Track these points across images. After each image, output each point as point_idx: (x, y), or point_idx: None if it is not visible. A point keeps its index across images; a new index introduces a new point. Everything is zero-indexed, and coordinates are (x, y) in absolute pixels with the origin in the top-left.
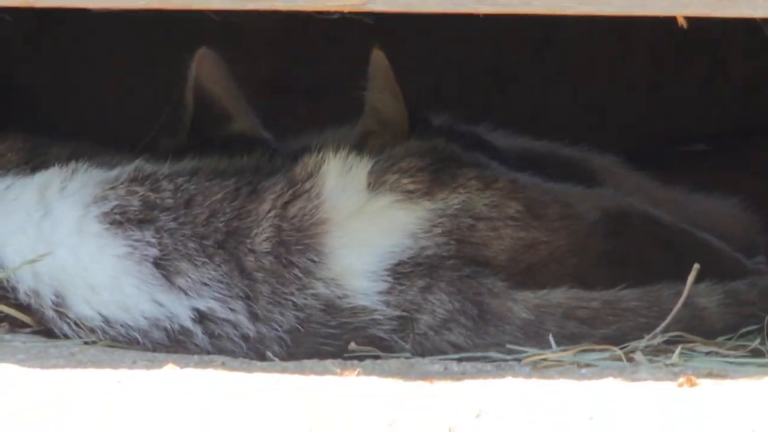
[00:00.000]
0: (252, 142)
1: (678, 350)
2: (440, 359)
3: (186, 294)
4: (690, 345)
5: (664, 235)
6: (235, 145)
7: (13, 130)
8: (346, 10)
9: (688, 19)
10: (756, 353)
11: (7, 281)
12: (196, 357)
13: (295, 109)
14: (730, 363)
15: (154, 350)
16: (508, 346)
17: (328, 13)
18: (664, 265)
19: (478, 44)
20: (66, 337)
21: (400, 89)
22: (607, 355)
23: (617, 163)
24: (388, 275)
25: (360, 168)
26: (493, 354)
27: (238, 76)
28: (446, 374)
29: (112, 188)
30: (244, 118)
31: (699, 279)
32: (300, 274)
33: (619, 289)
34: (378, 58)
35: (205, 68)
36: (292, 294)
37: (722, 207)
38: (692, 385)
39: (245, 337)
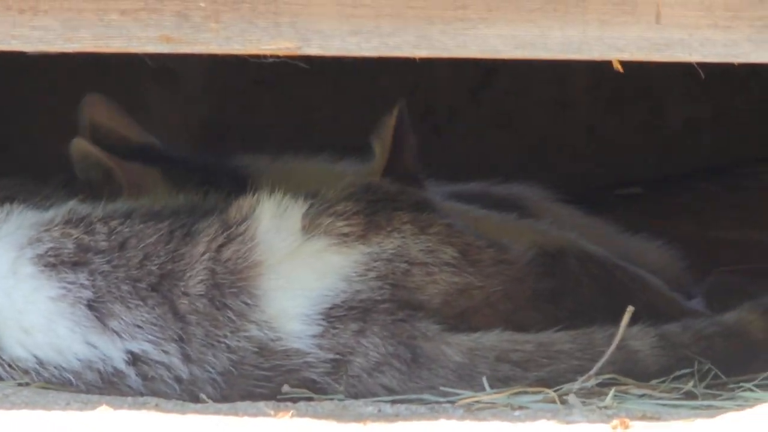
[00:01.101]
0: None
1: (612, 393)
2: (374, 401)
3: (119, 336)
4: (624, 387)
5: (599, 272)
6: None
7: None
8: (281, 54)
9: (624, 63)
10: (689, 396)
11: None
12: (129, 399)
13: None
14: (664, 405)
15: (87, 392)
16: (442, 388)
17: (264, 57)
18: (599, 302)
19: (416, 87)
20: None
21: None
22: (540, 397)
23: (550, 198)
24: (322, 318)
25: (295, 210)
26: (426, 396)
27: (174, 120)
28: (380, 416)
29: (47, 230)
30: (144, 137)
31: (633, 320)
32: (233, 317)
33: (552, 331)
34: (395, 113)
35: (96, 109)
36: (226, 336)
37: (652, 248)
38: (626, 427)
39: (178, 379)
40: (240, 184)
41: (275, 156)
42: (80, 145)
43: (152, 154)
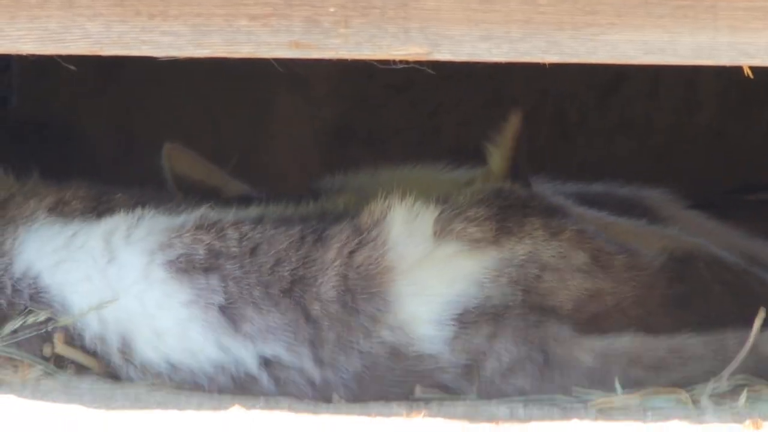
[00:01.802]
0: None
1: (744, 394)
2: (506, 402)
3: (252, 340)
4: (756, 389)
5: (730, 277)
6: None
7: (76, 177)
8: (411, 59)
9: (753, 69)
10: None
11: (74, 327)
12: (262, 399)
13: (358, 157)
14: None
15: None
16: (575, 388)
17: (393, 62)
18: (730, 307)
19: (545, 92)
20: (131, 380)
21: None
22: (672, 398)
23: (676, 202)
24: (454, 323)
25: (426, 216)
26: (559, 397)
27: (304, 125)
28: (512, 417)
29: (178, 236)
30: (232, 185)
31: (764, 324)
32: (366, 322)
33: (685, 337)
34: (514, 121)
35: (177, 159)
36: (358, 341)
37: None
38: (758, 427)
39: (311, 383)
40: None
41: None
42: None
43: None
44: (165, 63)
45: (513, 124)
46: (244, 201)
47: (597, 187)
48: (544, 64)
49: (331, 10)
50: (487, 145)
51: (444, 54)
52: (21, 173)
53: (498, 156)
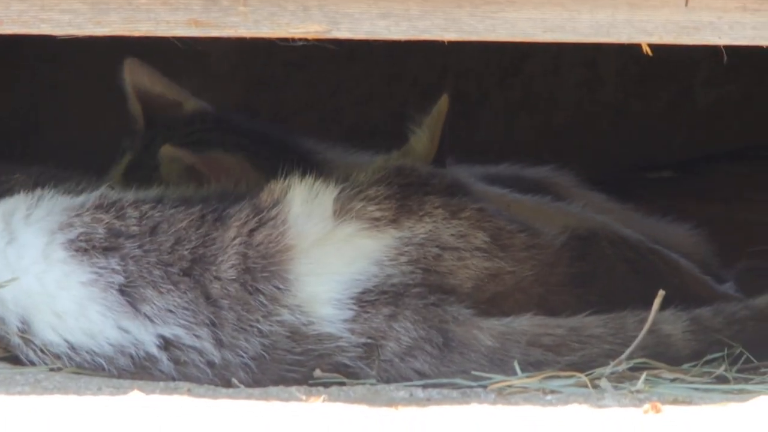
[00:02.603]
0: (208, 116)
1: (643, 377)
2: (406, 386)
3: (151, 321)
4: (655, 372)
5: (632, 255)
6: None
7: None
8: (310, 37)
9: (653, 46)
10: (721, 380)
11: None
12: (161, 384)
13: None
14: (696, 390)
15: (119, 377)
16: (474, 372)
17: (293, 40)
18: (632, 286)
19: (445, 69)
20: (32, 363)
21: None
22: (572, 381)
23: (580, 183)
24: (354, 303)
25: (326, 195)
26: (458, 381)
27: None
28: (412, 401)
29: (78, 215)
30: (193, 101)
31: (665, 304)
32: (265, 301)
33: (584, 315)
34: (443, 104)
35: (137, 72)
36: (258, 321)
37: (682, 231)
38: (657, 411)
39: (211, 364)
40: (311, 169)
41: (347, 148)
42: (168, 152)
43: (221, 127)
44: (66, 42)
45: (441, 107)
46: (205, 117)
47: (501, 168)
48: (443, 42)
49: None
50: (412, 126)
51: (343, 32)
52: None
53: (426, 138)
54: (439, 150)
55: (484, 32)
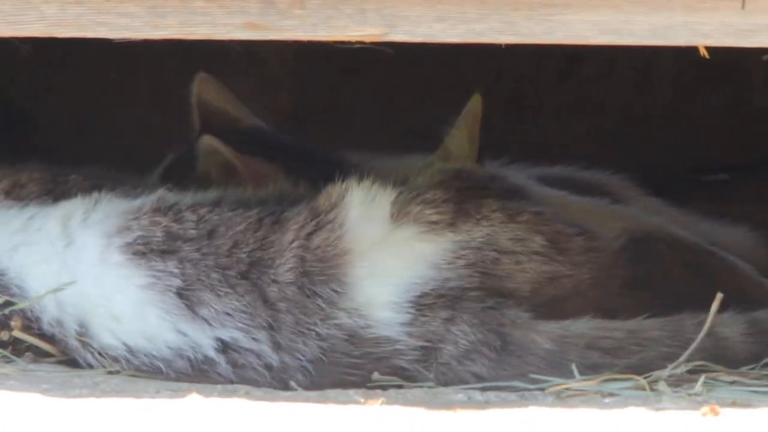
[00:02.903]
0: (258, 130)
1: (702, 380)
2: (464, 389)
3: (209, 324)
4: (713, 374)
5: (690, 258)
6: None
7: (30, 160)
8: (367, 40)
9: (709, 49)
10: None
11: (31, 311)
12: (219, 386)
13: (314, 139)
14: (754, 392)
15: (177, 380)
16: (532, 376)
17: (349, 43)
18: (689, 288)
19: (500, 74)
20: (90, 366)
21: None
22: (630, 384)
23: (635, 186)
24: (411, 306)
25: (383, 198)
26: (516, 383)
27: (259, 106)
28: (470, 403)
29: (135, 219)
30: (252, 120)
31: (723, 306)
32: (323, 305)
33: (642, 318)
34: (475, 103)
35: (205, 88)
36: (315, 324)
37: (737, 234)
38: (716, 414)
39: (268, 367)
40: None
41: (387, 154)
42: (209, 142)
43: (268, 142)
44: (121, 45)
45: (473, 106)
46: (255, 130)
47: (557, 170)
48: (500, 45)
49: None
50: (447, 127)
51: (400, 35)
52: None
53: (459, 137)
54: (479, 151)
55: (540, 35)
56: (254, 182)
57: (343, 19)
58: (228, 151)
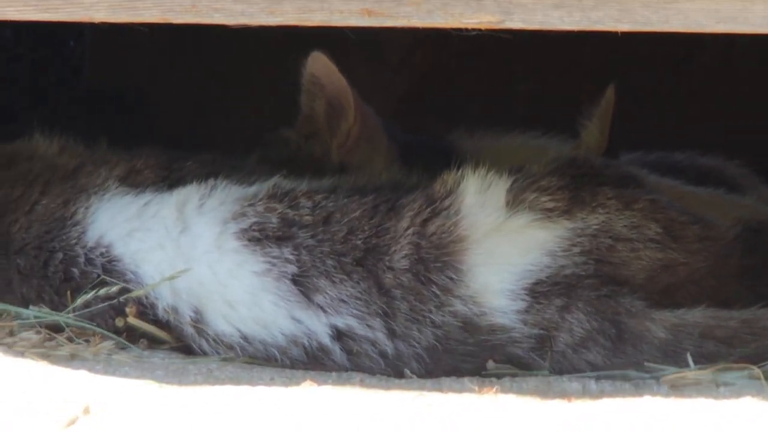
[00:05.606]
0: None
1: None
2: (578, 377)
3: (324, 311)
4: None
5: None
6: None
7: (146, 145)
8: (483, 27)
9: None
10: None
11: (146, 297)
12: (334, 374)
13: (431, 124)
14: None
15: (292, 367)
16: (646, 364)
17: (466, 30)
18: None
19: (616, 60)
20: (204, 353)
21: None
22: (745, 374)
23: (751, 175)
24: (526, 294)
25: (499, 185)
26: (631, 372)
27: (377, 91)
28: (584, 393)
29: (251, 205)
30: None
31: None
32: (438, 292)
33: (757, 307)
34: (610, 94)
35: (317, 66)
36: (430, 311)
37: None
38: None
39: (383, 354)
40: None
41: (484, 132)
42: (320, 60)
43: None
44: (237, 31)
45: (609, 98)
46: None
47: (676, 156)
48: (616, 33)
49: None
50: (582, 119)
51: (516, 22)
52: (90, 141)
53: (596, 130)
54: (609, 141)
55: (657, 23)
56: (358, 134)
57: (459, 6)
58: (338, 73)
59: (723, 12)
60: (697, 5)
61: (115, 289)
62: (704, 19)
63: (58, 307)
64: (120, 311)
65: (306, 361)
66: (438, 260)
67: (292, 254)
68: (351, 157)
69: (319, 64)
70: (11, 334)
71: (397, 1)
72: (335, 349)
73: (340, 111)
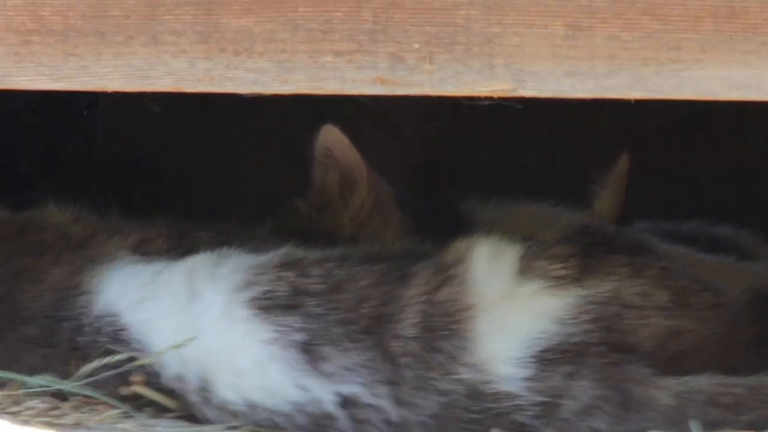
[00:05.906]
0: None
1: None
2: None
3: (330, 379)
4: None
5: None
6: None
7: (159, 214)
8: (496, 95)
9: None
10: None
11: (152, 366)
12: None
13: (444, 193)
14: None
15: None
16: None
17: (478, 98)
18: None
19: (627, 127)
20: (209, 422)
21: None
22: None
23: (763, 243)
24: (534, 361)
25: (511, 253)
26: None
27: (388, 160)
28: None
29: (262, 273)
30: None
31: None
32: (444, 360)
33: (763, 374)
34: (624, 161)
35: (330, 138)
36: (436, 379)
37: None
38: None
39: (389, 422)
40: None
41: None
42: (333, 133)
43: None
44: (250, 100)
45: (622, 166)
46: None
47: (687, 225)
48: (628, 100)
49: (416, 46)
50: (594, 186)
51: (528, 90)
52: (104, 210)
53: (609, 198)
54: (622, 209)
55: (669, 91)
56: (371, 206)
57: (472, 74)
58: (350, 147)
59: (735, 79)
60: (709, 73)
61: (121, 357)
62: (717, 86)
63: (64, 375)
64: (125, 380)
65: (311, 429)
66: (445, 328)
67: (301, 322)
68: (363, 229)
69: (331, 137)
70: (17, 403)
71: (409, 70)
72: (340, 417)
73: (353, 184)
